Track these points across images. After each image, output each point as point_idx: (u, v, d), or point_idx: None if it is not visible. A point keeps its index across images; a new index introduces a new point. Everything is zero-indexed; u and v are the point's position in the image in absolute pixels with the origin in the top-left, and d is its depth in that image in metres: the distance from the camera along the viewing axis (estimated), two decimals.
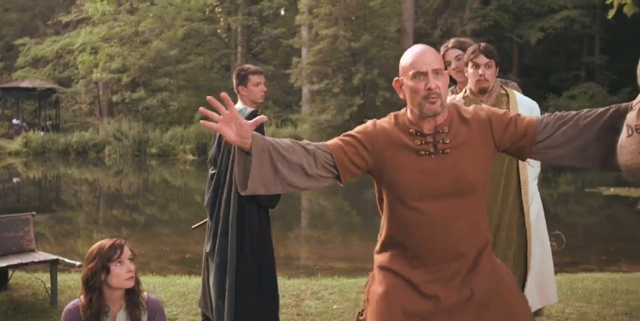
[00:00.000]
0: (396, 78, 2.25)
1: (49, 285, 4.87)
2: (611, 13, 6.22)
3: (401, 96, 2.24)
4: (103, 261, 2.56)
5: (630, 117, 2.03)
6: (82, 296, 2.62)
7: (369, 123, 2.25)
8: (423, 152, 2.17)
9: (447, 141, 2.17)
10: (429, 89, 2.11)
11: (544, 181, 17.29)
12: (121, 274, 2.57)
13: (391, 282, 2.22)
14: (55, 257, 4.91)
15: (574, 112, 2.17)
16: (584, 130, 2.12)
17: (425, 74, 2.12)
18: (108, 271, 2.56)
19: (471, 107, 2.28)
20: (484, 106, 2.31)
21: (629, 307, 4.63)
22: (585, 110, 2.17)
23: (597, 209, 13.01)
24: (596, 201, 13.71)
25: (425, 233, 2.17)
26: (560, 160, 2.22)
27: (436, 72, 2.13)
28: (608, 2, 6.29)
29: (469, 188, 2.17)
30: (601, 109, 2.14)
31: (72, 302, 2.66)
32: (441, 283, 2.17)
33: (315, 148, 2.15)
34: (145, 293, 2.73)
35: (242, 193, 2.08)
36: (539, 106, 3.53)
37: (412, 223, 2.18)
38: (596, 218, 12.46)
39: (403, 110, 2.28)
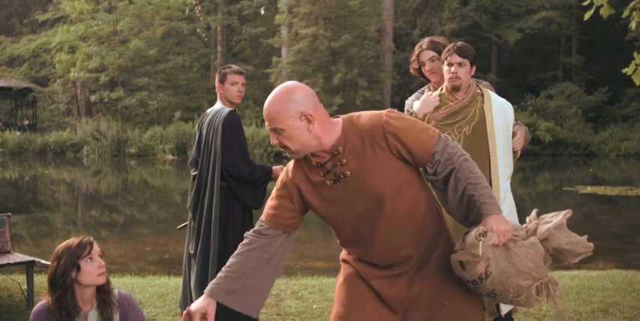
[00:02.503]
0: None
1: (25, 287, 4.81)
2: (587, 15, 6.28)
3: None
4: (73, 259, 2.50)
5: (469, 241, 2.03)
6: (49, 297, 2.56)
7: (282, 173, 2.30)
8: (328, 182, 2.18)
9: (344, 161, 2.14)
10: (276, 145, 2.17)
11: (522, 180, 17.47)
12: (92, 270, 2.53)
13: (349, 271, 2.32)
14: (32, 259, 4.85)
15: (462, 175, 2.11)
16: (455, 197, 2.13)
17: (272, 130, 2.14)
18: (78, 268, 2.51)
19: (368, 114, 2.20)
20: (385, 111, 2.22)
21: (604, 304, 4.69)
22: (469, 181, 2.11)
23: (574, 207, 13.11)
24: (573, 199, 13.87)
25: (365, 246, 2.23)
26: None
27: (274, 130, 2.13)
28: (585, 4, 6.35)
29: (385, 198, 2.13)
30: (475, 197, 2.09)
31: (39, 303, 2.60)
32: (389, 280, 2.22)
33: (258, 236, 2.25)
34: (116, 290, 2.69)
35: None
36: (518, 105, 3.60)
37: (350, 239, 2.26)
38: (573, 216, 12.59)
39: None
